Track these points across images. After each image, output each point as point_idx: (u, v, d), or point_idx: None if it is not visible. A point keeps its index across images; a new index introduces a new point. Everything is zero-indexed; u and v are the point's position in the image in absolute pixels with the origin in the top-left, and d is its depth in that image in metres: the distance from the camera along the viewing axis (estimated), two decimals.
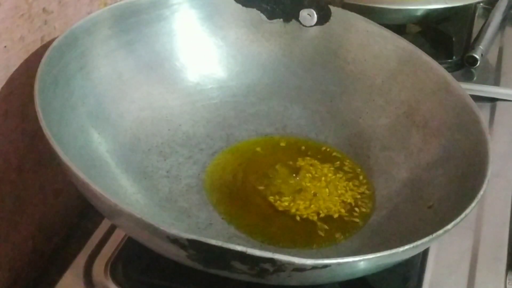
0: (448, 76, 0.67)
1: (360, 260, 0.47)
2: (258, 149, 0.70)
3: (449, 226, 0.50)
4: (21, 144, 0.62)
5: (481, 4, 1.02)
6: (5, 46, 0.58)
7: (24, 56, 0.61)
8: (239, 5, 0.73)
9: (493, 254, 0.63)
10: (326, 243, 0.61)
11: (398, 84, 0.70)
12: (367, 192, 0.66)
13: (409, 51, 0.71)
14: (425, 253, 0.62)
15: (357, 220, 0.63)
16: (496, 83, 0.88)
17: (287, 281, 0.48)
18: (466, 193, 0.55)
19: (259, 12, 0.73)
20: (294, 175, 0.67)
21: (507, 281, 0.62)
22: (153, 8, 0.70)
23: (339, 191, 0.66)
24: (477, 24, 0.98)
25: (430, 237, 0.49)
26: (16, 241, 0.64)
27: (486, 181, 0.54)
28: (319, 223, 0.63)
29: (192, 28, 0.73)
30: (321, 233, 0.62)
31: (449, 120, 0.65)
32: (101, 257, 0.61)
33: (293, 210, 0.63)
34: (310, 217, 0.63)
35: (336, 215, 0.63)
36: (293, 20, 0.74)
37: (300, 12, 0.73)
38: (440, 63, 0.69)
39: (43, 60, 0.58)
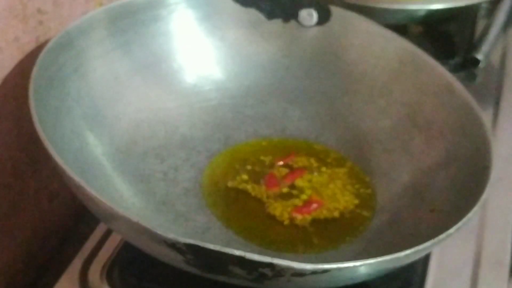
0: (451, 78, 0.67)
1: (360, 265, 0.46)
2: (257, 151, 0.70)
3: (451, 230, 0.49)
4: (15, 146, 0.62)
5: (484, 4, 1.02)
6: None
7: (19, 57, 0.60)
8: (238, 5, 0.73)
9: (496, 258, 0.63)
10: (326, 248, 0.60)
11: (399, 86, 0.70)
12: (368, 195, 0.65)
13: (410, 52, 0.70)
14: (427, 258, 0.61)
15: (357, 224, 0.63)
16: (499, 84, 0.88)
17: (286, 286, 0.47)
18: (469, 197, 0.54)
19: (258, 12, 0.73)
20: (293, 178, 0.66)
21: (510, 286, 0.61)
22: (149, 8, 0.69)
23: (339, 195, 0.65)
24: (480, 24, 0.98)
25: (432, 241, 0.48)
26: (10, 245, 0.63)
27: (489, 185, 0.54)
28: (319, 227, 0.62)
29: (190, 28, 0.72)
30: (321, 237, 0.61)
31: (452, 122, 0.64)
32: (97, 261, 0.61)
33: (292, 214, 0.62)
34: (310, 221, 0.62)
35: (336, 219, 0.63)
36: (293, 20, 0.74)
37: (300, 12, 0.73)
38: (442, 64, 0.68)
39: (38, 61, 0.57)
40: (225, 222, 0.62)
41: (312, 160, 0.69)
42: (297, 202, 0.64)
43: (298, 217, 0.62)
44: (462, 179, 0.59)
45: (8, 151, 0.61)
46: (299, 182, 0.66)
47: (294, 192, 0.65)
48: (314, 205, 0.63)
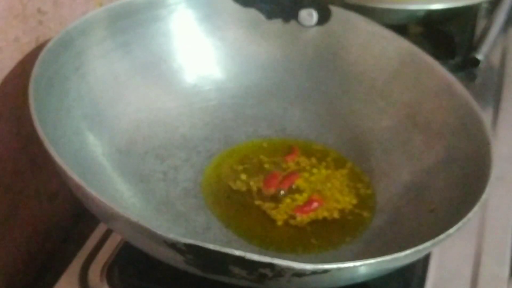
0: (451, 78, 0.67)
1: (360, 265, 0.46)
2: (257, 151, 0.70)
3: (451, 230, 0.49)
4: (15, 147, 0.62)
5: (484, 4, 1.02)
6: None
7: (19, 57, 0.60)
8: (238, 5, 0.73)
9: (496, 259, 0.63)
10: (326, 248, 0.60)
11: (399, 86, 0.70)
12: (368, 195, 0.65)
13: (410, 52, 0.70)
14: (427, 258, 0.62)
15: (357, 224, 0.63)
16: (499, 84, 0.88)
17: (287, 287, 0.47)
18: (469, 197, 0.54)
19: (258, 12, 0.73)
20: (293, 178, 0.66)
21: (510, 286, 0.61)
22: (149, 8, 0.69)
23: (339, 195, 0.65)
24: (480, 24, 0.98)
25: (432, 241, 0.48)
26: (10, 245, 0.63)
27: (489, 185, 0.54)
28: (319, 227, 0.62)
29: (190, 28, 0.72)
30: (321, 238, 0.61)
31: (452, 122, 0.64)
32: (97, 261, 0.61)
33: (292, 214, 0.63)
34: (309, 221, 0.62)
35: (336, 219, 0.63)
36: (293, 20, 0.74)
37: (300, 12, 0.73)
38: (442, 64, 0.68)
39: (38, 61, 0.57)
40: (225, 222, 0.62)
41: (312, 160, 0.69)
42: (298, 201, 0.64)
43: (298, 217, 0.62)
44: (462, 179, 0.59)
45: (8, 151, 0.61)
46: (298, 182, 0.66)
47: (294, 191, 0.65)
48: (315, 204, 0.63)
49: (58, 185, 0.68)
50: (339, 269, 0.45)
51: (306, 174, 0.67)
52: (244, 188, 0.65)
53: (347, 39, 0.73)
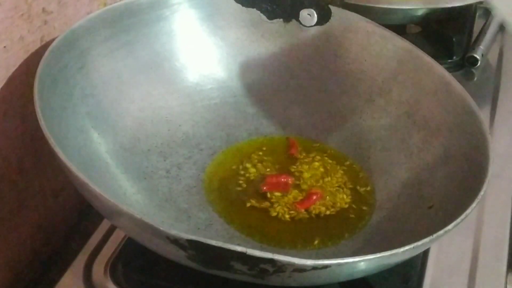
0: (449, 76, 0.67)
1: (360, 261, 0.47)
2: (258, 149, 0.70)
3: (449, 227, 0.50)
4: (20, 144, 0.62)
5: (482, 4, 1.02)
6: (4, 46, 0.58)
7: (24, 56, 0.61)
8: (239, 5, 0.73)
9: (494, 254, 0.63)
10: (326, 244, 0.61)
11: (398, 85, 0.70)
12: (367, 192, 0.66)
13: (409, 51, 0.70)
14: (425, 254, 0.62)
15: (357, 220, 0.63)
16: (497, 83, 0.88)
17: (287, 282, 0.48)
18: (467, 194, 0.55)
19: (259, 12, 0.73)
20: (293, 175, 0.67)
21: (508, 281, 0.61)
22: (152, 8, 0.70)
23: (338, 192, 0.66)
24: (478, 24, 0.98)
25: (431, 237, 0.49)
26: (16, 241, 0.64)
27: (486, 182, 0.54)
28: (318, 223, 0.63)
29: (192, 28, 0.73)
30: (321, 234, 0.62)
31: (450, 120, 0.65)
32: (100, 257, 0.61)
33: (293, 207, 0.63)
34: (309, 217, 0.63)
35: (335, 215, 0.63)
36: (293, 20, 0.74)
37: (300, 12, 0.73)
38: (441, 64, 0.69)
39: (43, 60, 0.58)
40: (227, 219, 0.62)
41: (312, 158, 0.69)
42: (297, 197, 0.64)
43: (298, 212, 0.63)
44: (460, 176, 0.59)
45: (13, 148, 0.61)
46: (299, 180, 0.66)
47: (294, 189, 0.65)
48: (314, 197, 0.64)
49: (63, 182, 0.68)
50: (339, 264, 0.46)
51: (305, 172, 0.67)
52: (245, 185, 0.66)
53: (347, 39, 0.73)
